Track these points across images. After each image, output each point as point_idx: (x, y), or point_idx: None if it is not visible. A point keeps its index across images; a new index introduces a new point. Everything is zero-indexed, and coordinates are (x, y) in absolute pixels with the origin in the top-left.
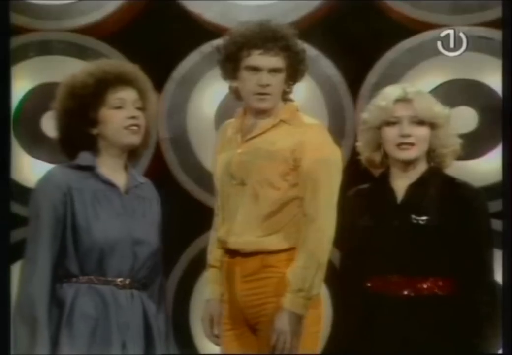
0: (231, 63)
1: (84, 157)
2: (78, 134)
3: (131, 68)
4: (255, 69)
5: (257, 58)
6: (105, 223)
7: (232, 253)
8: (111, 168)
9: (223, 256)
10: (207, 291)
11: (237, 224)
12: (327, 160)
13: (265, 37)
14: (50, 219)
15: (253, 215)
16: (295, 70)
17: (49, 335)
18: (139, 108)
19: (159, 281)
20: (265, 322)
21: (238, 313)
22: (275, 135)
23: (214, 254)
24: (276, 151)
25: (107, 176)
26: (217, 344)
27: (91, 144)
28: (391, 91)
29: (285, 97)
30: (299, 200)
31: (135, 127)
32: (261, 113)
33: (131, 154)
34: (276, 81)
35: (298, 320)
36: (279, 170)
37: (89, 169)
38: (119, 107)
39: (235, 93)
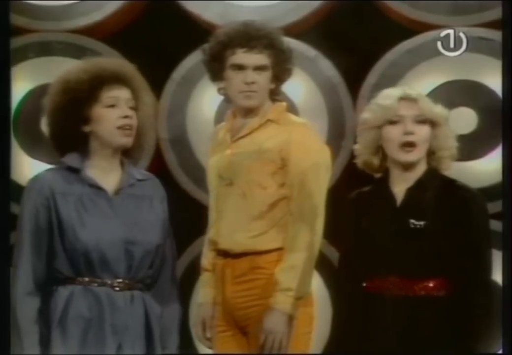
0: (216, 63)
1: (71, 158)
2: (70, 132)
3: (128, 67)
4: (240, 67)
5: (241, 56)
6: (91, 227)
7: (223, 254)
8: (101, 170)
9: (215, 258)
10: (200, 294)
11: (226, 225)
12: (314, 160)
13: (249, 35)
14: (30, 223)
15: (242, 215)
16: (281, 68)
17: (37, 337)
18: (131, 108)
19: (168, 276)
20: (254, 324)
21: (230, 315)
22: (263, 135)
23: (207, 257)
24: (264, 151)
25: (93, 179)
26: (209, 347)
27: (83, 143)
28: (393, 91)
29: (273, 97)
30: (287, 200)
31: (127, 127)
32: (249, 112)
33: (126, 154)
34: (262, 79)
35: (287, 319)
36: (267, 170)
37: (76, 171)
38: (112, 106)
39: (224, 95)
